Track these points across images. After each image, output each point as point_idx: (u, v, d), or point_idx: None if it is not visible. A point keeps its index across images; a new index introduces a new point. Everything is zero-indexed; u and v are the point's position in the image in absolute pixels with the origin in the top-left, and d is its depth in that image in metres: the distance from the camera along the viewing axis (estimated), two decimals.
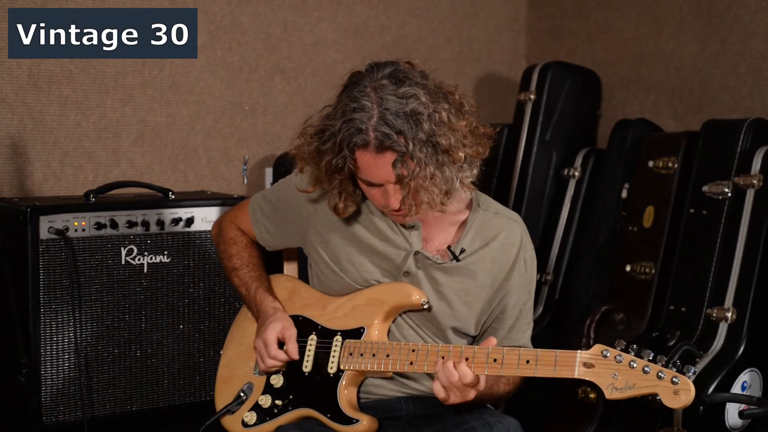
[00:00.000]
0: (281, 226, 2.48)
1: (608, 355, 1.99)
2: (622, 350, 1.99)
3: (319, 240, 2.38)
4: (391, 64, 2.21)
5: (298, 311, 2.41)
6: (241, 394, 2.39)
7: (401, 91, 2.14)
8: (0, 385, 2.95)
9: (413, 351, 2.20)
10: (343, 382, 2.28)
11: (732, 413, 2.97)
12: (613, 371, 1.98)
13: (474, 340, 2.38)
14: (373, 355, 2.25)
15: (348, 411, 2.25)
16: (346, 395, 2.27)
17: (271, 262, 2.58)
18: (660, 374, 1.94)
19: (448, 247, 2.31)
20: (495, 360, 2.11)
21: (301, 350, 2.36)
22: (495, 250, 2.32)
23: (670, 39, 3.79)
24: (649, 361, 1.97)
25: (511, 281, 2.33)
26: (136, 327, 3.05)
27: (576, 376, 2.02)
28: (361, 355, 2.27)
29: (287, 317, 2.38)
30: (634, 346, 1.99)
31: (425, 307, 2.29)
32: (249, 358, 2.44)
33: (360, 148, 2.14)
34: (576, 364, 2.02)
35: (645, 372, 1.96)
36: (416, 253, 2.30)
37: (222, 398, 2.45)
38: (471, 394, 2.13)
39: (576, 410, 3.30)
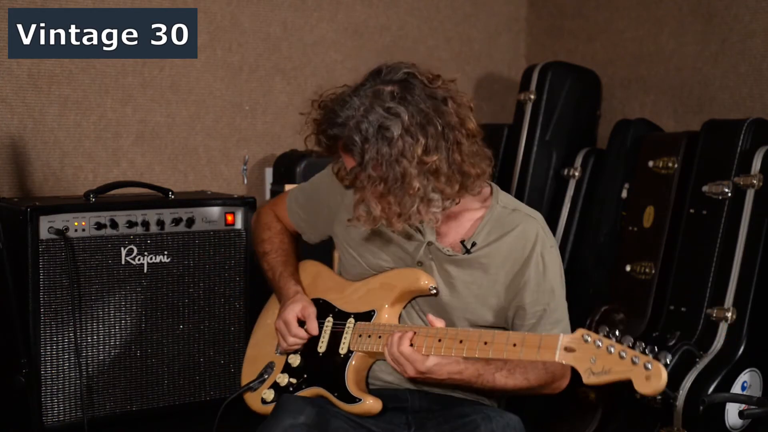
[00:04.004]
0: (313, 216, 2.58)
1: (589, 339, 2.00)
2: (604, 335, 2.00)
3: (343, 228, 2.46)
4: (408, 73, 2.23)
5: (319, 294, 2.50)
6: (263, 372, 2.49)
7: (388, 106, 2.19)
8: (0, 385, 2.95)
9: (415, 333, 2.24)
10: (352, 363, 2.35)
11: (732, 413, 2.97)
12: (591, 356, 1.98)
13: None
14: (380, 337, 2.31)
15: (353, 390, 2.32)
16: (353, 375, 2.34)
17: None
18: (634, 359, 1.94)
19: (462, 241, 2.33)
20: (486, 343, 2.15)
21: (319, 331, 2.44)
22: (508, 244, 2.33)
23: (670, 39, 3.79)
24: (627, 347, 1.96)
25: (526, 276, 2.32)
26: (136, 327, 3.05)
27: (557, 359, 2.03)
28: (369, 336, 2.34)
29: (307, 298, 2.48)
30: (617, 332, 2.00)
31: (433, 292, 2.33)
32: (274, 338, 2.52)
33: (332, 138, 2.24)
34: (558, 347, 2.03)
35: (621, 357, 1.95)
36: (429, 243, 2.34)
37: (247, 376, 2.55)
38: (409, 369, 2.20)
39: (576, 410, 3.30)
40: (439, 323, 2.23)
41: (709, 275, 3.13)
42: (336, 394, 2.33)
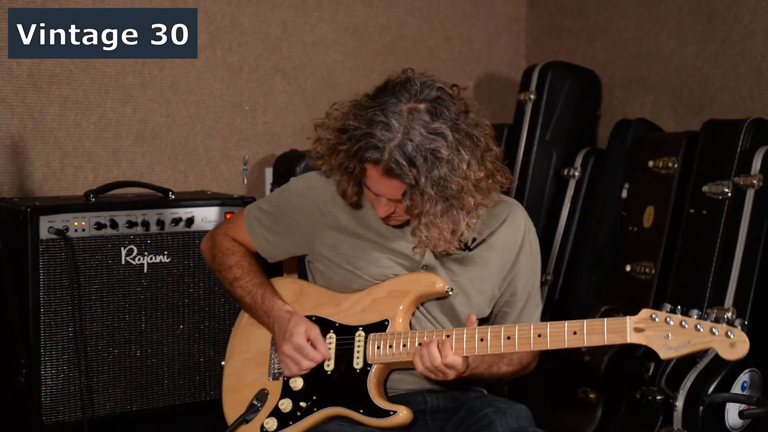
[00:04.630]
0: (283, 236, 2.46)
1: (657, 318, 2.06)
2: (669, 311, 2.06)
3: (328, 244, 2.39)
4: (439, 89, 2.18)
5: (309, 311, 2.39)
6: (255, 402, 2.36)
7: (432, 126, 2.14)
8: (0, 385, 2.95)
9: (447, 336, 2.20)
10: (373, 375, 2.27)
11: (732, 413, 2.97)
12: (665, 332, 2.05)
13: (487, 321, 2.41)
14: (404, 346, 2.25)
15: (382, 404, 2.24)
16: (376, 389, 2.27)
17: (270, 269, 2.56)
18: (713, 330, 2.02)
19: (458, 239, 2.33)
20: (540, 335, 2.14)
21: None
22: (503, 235, 2.36)
23: (670, 39, 3.79)
24: (698, 319, 2.04)
25: (519, 263, 2.37)
26: (136, 327, 3.05)
27: (628, 341, 2.07)
28: (390, 347, 2.27)
29: (304, 318, 2.37)
30: (680, 307, 2.06)
31: (450, 294, 2.30)
32: (259, 364, 2.41)
33: (371, 162, 2.16)
34: (627, 329, 2.07)
35: (698, 329, 2.03)
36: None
37: (232, 409, 2.41)
38: (451, 374, 2.18)
39: (576, 410, 3.30)
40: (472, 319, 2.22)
41: (709, 275, 3.13)
42: (361, 411, 2.24)
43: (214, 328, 3.16)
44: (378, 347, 2.28)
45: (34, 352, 2.88)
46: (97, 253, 2.98)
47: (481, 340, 2.18)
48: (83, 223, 2.95)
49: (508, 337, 2.16)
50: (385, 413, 2.22)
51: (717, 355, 2.99)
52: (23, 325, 2.86)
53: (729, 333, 2.01)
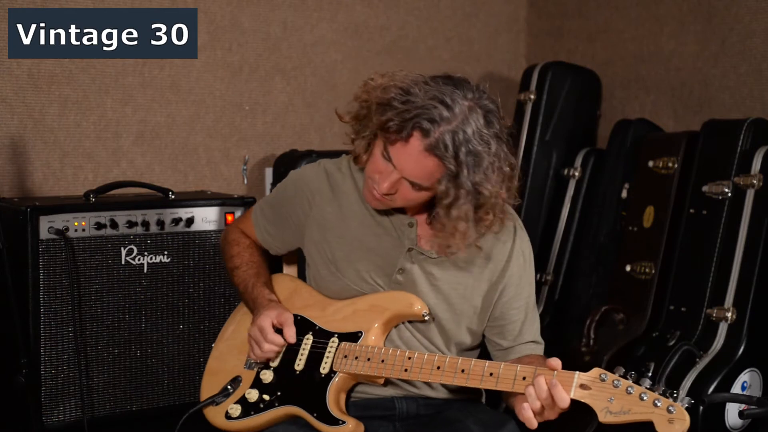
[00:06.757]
0: (280, 228, 2.51)
1: (606, 379, 2.00)
2: (620, 376, 2.00)
3: (315, 239, 2.40)
4: (493, 102, 2.21)
5: (297, 311, 2.41)
6: (228, 386, 2.40)
7: (484, 131, 2.16)
8: (0, 385, 2.95)
9: (409, 359, 2.21)
10: (334, 383, 2.28)
11: (732, 413, 2.97)
12: (609, 395, 1.99)
13: (477, 344, 2.39)
14: (368, 359, 2.26)
15: (335, 412, 2.25)
16: (334, 396, 2.28)
17: (271, 265, 2.60)
18: (656, 402, 1.95)
19: None
20: (492, 374, 2.11)
21: (296, 349, 2.36)
22: (489, 242, 2.33)
23: (670, 39, 3.79)
24: (646, 388, 1.97)
25: (509, 271, 2.33)
26: (136, 327, 3.05)
27: (571, 396, 2.02)
28: (356, 358, 2.27)
29: (281, 306, 2.40)
30: (633, 373, 2.00)
31: (426, 318, 2.29)
32: (240, 352, 2.45)
33: (420, 131, 2.13)
34: (573, 384, 2.02)
35: (641, 399, 1.96)
36: (410, 249, 2.32)
37: (208, 390, 2.46)
38: (553, 415, 2.10)
39: (575, 410, 3.30)
40: (556, 363, 2.09)
41: (709, 275, 3.13)
42: (315, 415, 2.25)
43: (214, 328, 3.16)
44: (345, 356, 2.29)
45: (34, 352, 2.88)
46: (97, 253, 2.98)
47: (438, 368, 2.16)
48: (83, 223, 2.95)
49: (463, 370, 2.14)
50: (335, 421, 2.23)
51: (717, 355, 3.05)
52: (23, 325, 2.86)
53: (670, 408, 1.93)
